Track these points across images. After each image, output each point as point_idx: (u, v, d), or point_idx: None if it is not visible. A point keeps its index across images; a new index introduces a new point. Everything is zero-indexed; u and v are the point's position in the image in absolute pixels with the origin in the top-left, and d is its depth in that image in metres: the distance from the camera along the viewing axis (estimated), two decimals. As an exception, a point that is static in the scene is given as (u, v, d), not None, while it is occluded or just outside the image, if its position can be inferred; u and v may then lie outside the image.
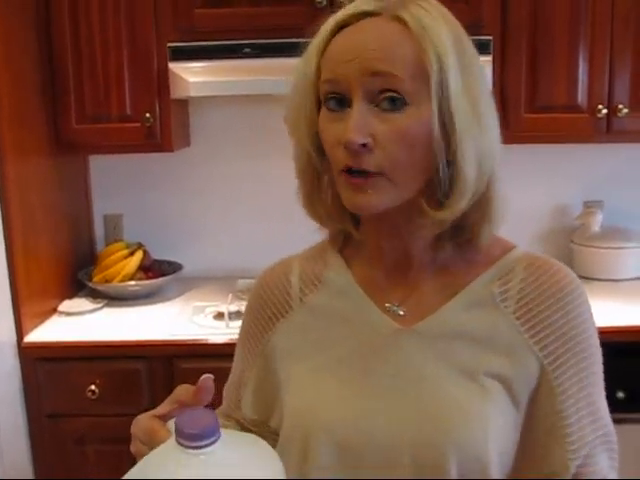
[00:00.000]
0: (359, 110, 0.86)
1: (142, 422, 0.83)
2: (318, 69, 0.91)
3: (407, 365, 0.95)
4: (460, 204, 0.90)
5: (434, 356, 0.94)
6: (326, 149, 0.92)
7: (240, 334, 1.13)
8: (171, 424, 0.79)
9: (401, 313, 0.98)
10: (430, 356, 0.94)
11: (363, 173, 0.87)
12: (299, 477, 0.94)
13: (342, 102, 0.88)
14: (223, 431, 0.70)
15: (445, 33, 0.87)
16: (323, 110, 0.91)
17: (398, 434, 0.90)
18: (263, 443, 0.76)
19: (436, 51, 0.86)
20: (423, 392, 0.92)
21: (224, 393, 1.14)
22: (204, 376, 0.79)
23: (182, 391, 0.82)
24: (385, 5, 0.89)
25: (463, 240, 0.97)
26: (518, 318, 0.94)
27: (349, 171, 0.88)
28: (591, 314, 0.97)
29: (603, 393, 0.97)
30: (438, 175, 0.89)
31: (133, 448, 0.84)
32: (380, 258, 1.02)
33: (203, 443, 0.68)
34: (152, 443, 0.78)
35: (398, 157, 0.87)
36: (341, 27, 0.91)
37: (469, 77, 0.88)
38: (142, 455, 0.79)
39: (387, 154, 0.86)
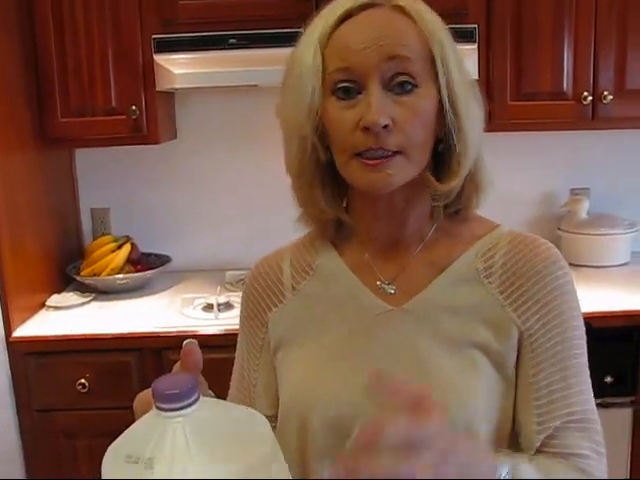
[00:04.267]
0: (377, 94, 0.90)
1: (142, 396, 0.84)
2: (322, 60, 0.94)
3: (399, 343, 0.97)
4: (464, 173, 0.97)
5: (424, 333, 0.97)
6: (338, 137, 0.94)
7: (240, 333, 1.14)
8: None
9: (392, 291, 1.01)
10: (421, 333, 0.97)
11: (378, 156, 0.90)
12: (299, 454, 0.96)
13: (350, 90, 0.92)
14: (208, 399, 0.70)
15: (438, 21, 0.96)
16: (331, 100, 0.93)
17: None
18: (251, 411, 0.76)
19: (437, 35, 0.94)
20: (415, 369, 0.94)
21: (233, 396, 1.13)
22: (186, 341, 0.80)
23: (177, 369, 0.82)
24: None
25: (454, 211, 1.03)
26: (501, 292, 0.97)
27: (362, 155, 0.91)
28: (573, 292, 0.98)
29: (586, 374, 0.97)
30: (442, 145, 0.97)
31: None
32: (370, 240, 1.04)
33: (178, 405, 0.66)
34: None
35: (415, 136, 0.92)
36: (343, 19, 0.94)
37: (459, 59, 0.97)
38: None
39: (405, 134, 0.91)
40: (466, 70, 0.99)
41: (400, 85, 0.91)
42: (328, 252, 1.08)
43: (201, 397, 0.69)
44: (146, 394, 0.83)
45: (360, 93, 0.91)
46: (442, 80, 0.93)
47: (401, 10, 0.93)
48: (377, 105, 0.89)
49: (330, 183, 1.02)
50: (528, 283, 0.96)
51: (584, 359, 0.98)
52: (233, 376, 1.15)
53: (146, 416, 0.71)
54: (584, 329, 0.98)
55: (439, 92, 0.93)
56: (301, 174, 1.01)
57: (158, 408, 0.67)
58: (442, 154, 0.98)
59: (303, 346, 1.03)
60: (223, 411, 0.74)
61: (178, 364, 0.81)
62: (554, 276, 0.96)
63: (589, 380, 0.98)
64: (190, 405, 0.67)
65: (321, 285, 1.06)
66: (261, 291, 1.09)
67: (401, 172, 0.92)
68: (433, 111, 0.93)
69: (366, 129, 0.89)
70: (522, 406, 0.95)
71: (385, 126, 0.89)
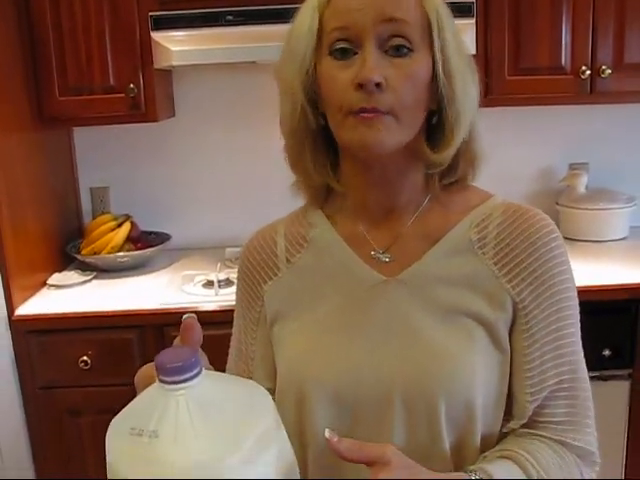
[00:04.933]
0: (372, 53, 0.91)
1: (143, 371, 0.85)
2: (320, 22, 0.95)
3: (394, 314, 0.98)
4: (457, 141, 0.97)
5: (419, 304, 0.97)
6: (332, 96, 0.94)
7: (236, 306, 1.15)
8: None
9: (386, 260, 1.02)
10: (416, 304, 0.97)
11: (370, 113, 0.91)
12: (297, 426, 0.97)
13: (346, 52, 0.93)
14: (210, 372, 0.70)
15: None
16: (327, 59, 0.94)
17: (389, 382, 0.93)
18: (253, 383, 0.76)
19: (434, 3, 0.95)
20: (410, 339, 0.95)
21: (231, 369, 1.15)
22: (185, 316, 0.81)
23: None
24: None
25: (449, 182, 1.03)
26: (495, 263, 0.97)
27: (354, 114, 0.92)
28: (567, 263, 0.98)
29: (578, 344, 0.98)
30: (436, 117, 0.97)
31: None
32: (363, 210, 1.05)
33: (181, 377, 0.67)
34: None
35: (406, 98, 0.92)
36: None
37: (455, 29, 0.98)
38: None
39: (397, 95, 0.91)
40: (464, 44, 1.00)
41: (396, 48, 0.92)
42: (322, 224, 1.08)
43: (203, 370, 0.70)
44: (147, 368, 0.84)
45: (356, 54, 0.92)
46: (437, 46, 0.94)
47: None
48: (372, 62, 0.90)
49: (321, 149, 1.02)
50: (522, 254, 0.96)
51: (577, 329, 0.99)
52: (230, 350, 1.16)
53: (149, 389, 0.71)
54: (577, 300, 0.99)
55: (434, 61, 0.94)
56: (292, 134, 1.01)
57: (161, 381, 0.68)
58: (436, 126, 0.98)
59: (299, 319, 1.04)
60: (225, 383, 0.75)
61: (178, 339, 0.82)
62: (549, 247, 0.96)
63: (581, 350, 0.99)
64: (193, 378, 0.68)
65: (315, 257, 1.06)
66: (256, 265, 1.10)
67: (392, 132, 0.92)
68: (426, 77, 0.94)
69: (360, 86, 0.90)
70: (515, 376, 0.96)
71: (378, 84, 0.90)
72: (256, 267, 1.10)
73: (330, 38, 0.94)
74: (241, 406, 0.71)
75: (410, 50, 0.92)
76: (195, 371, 0.68)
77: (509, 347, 0.96)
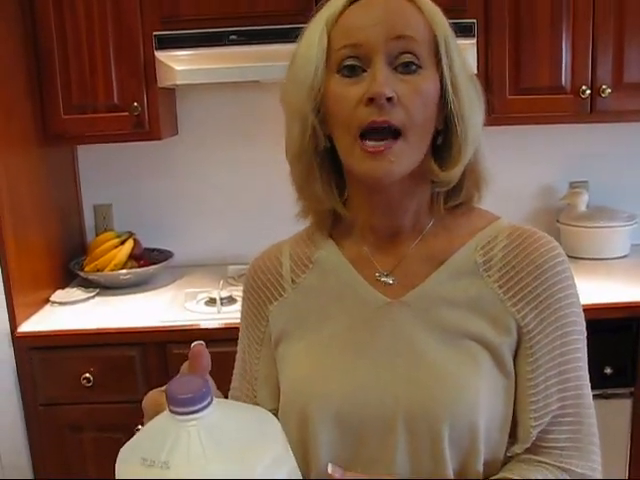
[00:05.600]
0: (382, 69, 0.91)
1: (152, 397, 0.84)
2: (328, 40, 0.95)
3: (399, 336, 0.97)
4: (465, 160, 0.97)
5: (424, 326, 0.97)
6: (341, 114, 0.94)
7: (241, 325, 1.15)
8: None
9: (390, 282, 1.01)
10: (420, 326, 0.97)
11: (380, 137, 0.91)
12: (300, 446, 0.96)
13: (355, 68, 0.93)
14: (220, 400, 0.70)
15: (440, 12, 0.99)
16: (336, 77, 0.95)
17: (392, 404, 0.93)
18: (262, 410, 0.77)
19: (440, 23, 0.96)
20: (415, 362, 0.95)
21: (235, 389, 1.15)
22: (194, 343, 0.81)
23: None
24: None
25: (454, 205, 1.03)
26: (500, 287, 0.97)
27: (365, 137, 0.92)
28: (573, 287, 0.98)
29: (583, 369, 0.98)
30: (441, 137, 0.98)
31: (144, 423, 0.86)
32: (369, 232, 1.05)
33: (193, 408, 0.67)
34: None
35: (417, 116, 0.92)
36: (350, 2, 0.96)
37: (459, 50, 0.98)
38: None
39: (407, 111, 0.92)
40: (467, 63, 1.00)
41: (405, 65, 0.92)
42: (327, 245, 1.08)
43: (214, 399, 0.70)
44: (155, 394, 0.84)
45: (365, 71, 0.93)
46: (445, 65, 0.94)
47: None
48: (383, 78, 0.90)
49: (328, 172, 1.02)
50: (528, 278, 0.96)
51: (583, 354, 0.98)
52: (235, 370, 1.16)
53: (159, 418, 0.72)
54: (584, 324, 0.98)
55: (441, 80, 0.94)
56: (300, 158, 1.01)
57: (172, 411, 0.68)
58: (443, 145, 0.98)
59: (303, 339, 1.03)
60: (234, 411, 0.75)
61: (186, 364, 0.82)
62: (554, 271, 0.96)
63: (587, 374, 0.98)
64: (204, 408, 0.68)
65: (320, 278, 1.06)
66: (261, 285, 1.10)
67: (402, 159, 0.92)
68: (435, 95, 0.94)
69: (370, 100, 0.90)
70: (520, 400, 0.96)
71: (389, 99, 0.90)
72: (261, 287, 1.10)
73: (339, 56, 0.94)
74: (251, 434, 0.71)
75: (419, 67, 0.93)
76: (206, 402, 0.68)
77: (513, 371, 0.96)
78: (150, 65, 2.27)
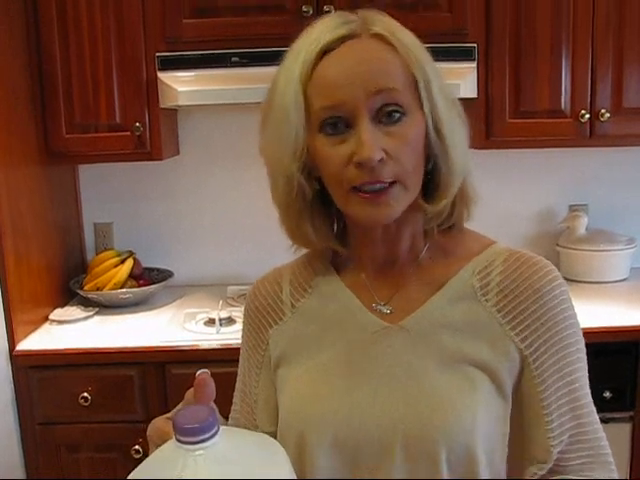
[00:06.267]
0: (368, 129, 0.89)
1: (158, 425, 0.85)
2: (304, 97, 0.92)
3: (396, 361, 0.97)
4: (453, 193, 0.98)
5: (421, 350, 0.97)
6: (331, 173, 0.93)
7: (241, 349, 1.15)
8: None
9: (387, 312, 1.02)
10: (418, 351, 0.97)
11: (376, 189, 0.91)
12: (297, 470, 0.95)
13: (338, 125, 0.91)
14: (225, 428, 0.71)
15: (416, 42, 0.96)
16: (319, 137, 0.93)
17: (390, 428, 0.93)
18: (267, 438, 0.77)
19: (417, 59, 0.93)
20: (412, 386, 0.95)
21: (236, 412, 1.15)
22: (199, 371, 0.81)
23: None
24: (359, 25, 0.94)
25: (447, 227, 1.03)
26: (499, 311, 0.97)
27: (359, 189, 0.91)
28: (572, 307, 0.99)
29: (587, 386, 0.99)
30: (431, 170, 0.97)
31: (150, 452, 0.85)
32: (367, 262, 1.05)
33: (200, 438, 0.68)
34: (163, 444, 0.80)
35: (408, 164, 0.92)
36: (322, 54, 0.93)
37: (441, 79, 0.97)
38: None
39: (399, 164, 0.91)
40: (448, 89, 0.98)
41: (388, 115, 0.91)
42: (326, 271, 1.09)
43: (220, 428, 0.70)
44: (160, 422, 0.85)
45: (348, 127, 0.91)
46: (427, 109, 0.93)
47: (381, 38, 0.93)
48: (369, 141, 0.88)
49: (319, 214, 1.01)
50: (526, 302, 0.96)
51: (585, 372, 0.99)
52: (235, 393, 1.16)
53: (166, 447, 0.72)
54: (584, 343, 0.99)
55: (425, 117, 0.94)
56: (288, 209, 1.00)
57: (179, 441, 0.68)
58: (429, 176, 0.98)
59: (302, 364, 1.03)
60: (241, 440, 0.75)
61: (190, 392, 0.83)
62: (553, 295, 0.96)
63: (590, 395, 1.00)
64: (211, 437, 0.69)
65: (319, 303, 1.06)
66: (261, 309, 1.10)
67: (400, 202, 0.93)
68: (422, 136, 0.93)
69: (360, 165, 0.89)
70: (534, 422, 0.96)
71: (380, 160, 0.89)
72: (262, 312, 1.10)
73: (319, 116, 0.92)
74: (258, 462, 0.71)
75: (403, 114, 0.91)
76: (213, 431, 0.69)
77: (512, 397, 0.96)
78: (152, 85, 2.29)
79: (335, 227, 1.06)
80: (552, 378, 0.96)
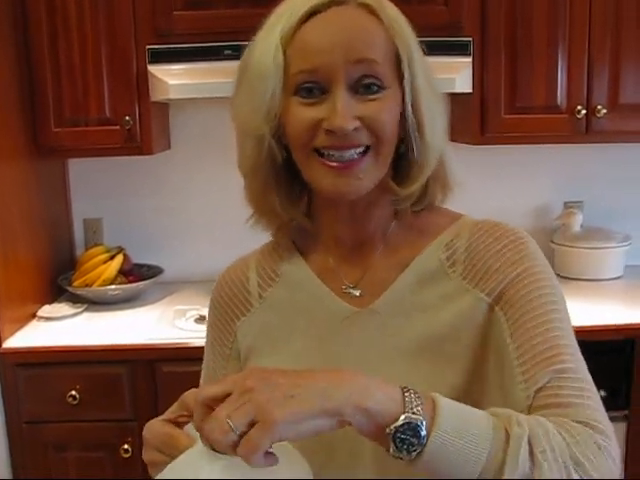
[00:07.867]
0: (343, 97, 0.88)
1: (156, 428, 0.82)
2: (285, 58, 0.91)
3: (368, 345, 0.96)
4: (424, 178, 0.96)
5: (393, 332, 0.96)
6: (295, 132, 0.91)
7: (206, 342, 1.12)
8: (190, 430, 0.77)
9: (357, 294, 1.00)
10: (389, 332, 0.96)
11: (345, 159, 0.89)
12: None
13: (313, 91, 0.90)
14: None
15: (401, 17, 0.95)
16: (293, 99, 0.91)
17: None
18: (286, 445, 0.76)
19: (402, 33, 0.92)
20: (385, 369, 0.93)
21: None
22: None
23: (190, 396, 0.80)
24: None
25: (419, 208, 1.02)
26: (464, 278, 0.95)
27: (322, 154, 0.90)
28: (540, 257, 0.95)
29: (571, 337, 0.90)
30: (403, 152, 0.95)
31: (146, 456, 0.83)
32: (334, 245, 1.03)
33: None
34: (172, 450, 0.77)
35: (382, 133, 0.90)
36: (307, 16, 0.91)
37: (424, 61, 0.95)
38: (158, 463, 0.78)
39: (373, 131, 0.90)
40: (434, 79, 0.97)
41: (366, 87, 0.90)
42: (293, 258, 1.06)
43: None
44: (157, 424, 0.82)
45: (324, 93, 0.90)
46: (407, 84, 0.92)
47: (368, 9, 0.92)
48: (343, 109, 0.87)
49: (286, 185, 1.00)
50: (490, 260, 0.94)
51: (567, 323, 0.92)
52: (200, 384, 1.12)
53: (191, 452, 0.72)
54: (562, 293, 0.94)
55: (403, 95, 0.92)
56: (255, 174, 0.98)
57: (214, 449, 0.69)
58: (401, 158, 0.96)
59: (274, 354, 1.02)
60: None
61: (189, 395, 0.81)
62: (516, 248, 0.94)
63: (577, 345, 0.91)
64: None
65: (287, 292, 1.05)
66: (228, 300, 1.08)
67: (369, 175, 0.91)
68: (398, 112, 0.92)
69: (330, 132, 0.88)
70: (506, 372, 0.89)
71: (354, 129, 0.88)
72: (228, 303, 1.08)
73: (296, 79, 0.90)
74: (279, 468, 0.71)
75: (381, 87, 0.90)
76: None
77: (487, 359, 0.92)
78: (143, 79, 2.26)
79: (302, 204, 1.04)
80: (523, 319, 0.90)
